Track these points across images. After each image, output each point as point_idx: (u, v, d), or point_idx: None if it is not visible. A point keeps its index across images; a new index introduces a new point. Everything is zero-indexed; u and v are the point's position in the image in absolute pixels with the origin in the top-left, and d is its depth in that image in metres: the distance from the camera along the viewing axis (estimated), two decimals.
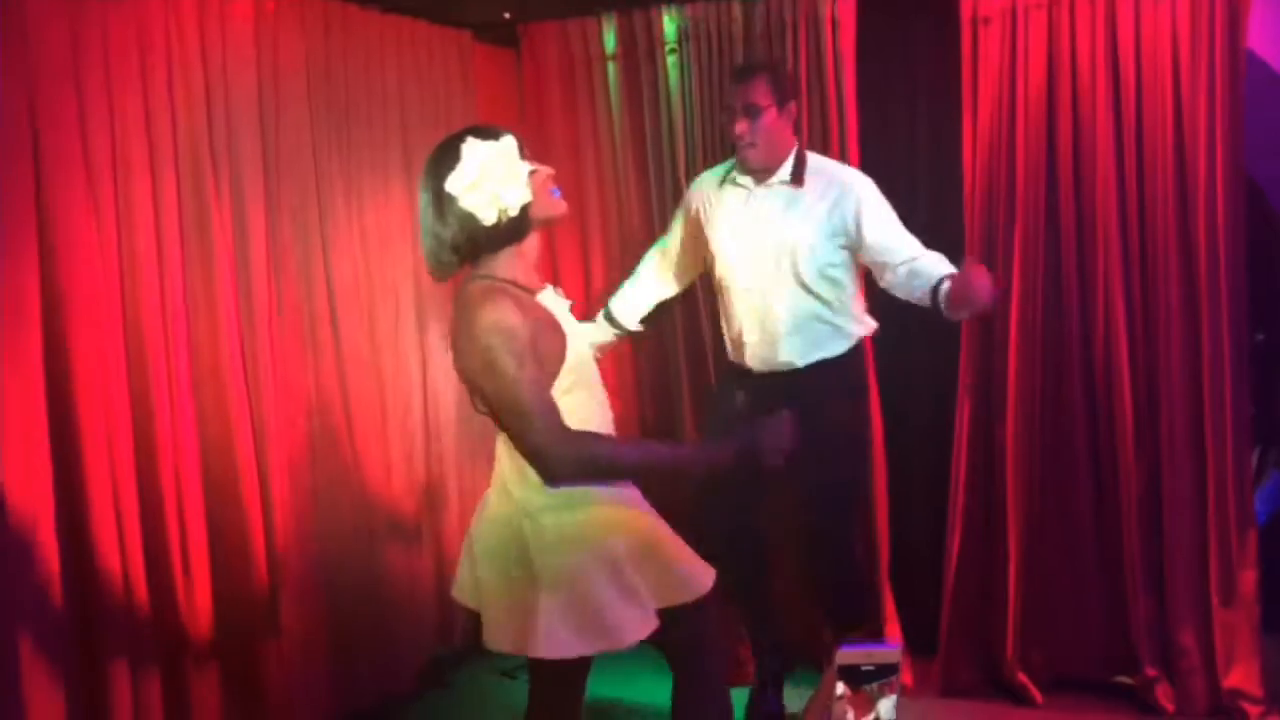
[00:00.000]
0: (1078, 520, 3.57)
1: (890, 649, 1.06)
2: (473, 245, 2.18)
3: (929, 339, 3.88)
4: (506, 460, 2.28)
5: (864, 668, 1.03)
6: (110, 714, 2.65)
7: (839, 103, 3.69)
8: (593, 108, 4.08)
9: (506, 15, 4.02)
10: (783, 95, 3.20)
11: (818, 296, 3.22)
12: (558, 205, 2.27)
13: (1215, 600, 3.36)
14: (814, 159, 3.32)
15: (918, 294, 3.11)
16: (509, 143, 2.18)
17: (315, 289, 3.35)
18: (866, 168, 3.72)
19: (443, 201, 2.15)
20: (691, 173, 3.74)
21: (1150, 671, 3.46)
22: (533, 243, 2.25)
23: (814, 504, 3.36)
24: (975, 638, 3.68)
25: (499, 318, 2.09)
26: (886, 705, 1.03)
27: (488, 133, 2.18)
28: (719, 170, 3.42)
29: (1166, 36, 3.30)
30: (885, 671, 1.02)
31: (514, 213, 2.16)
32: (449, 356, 3.88)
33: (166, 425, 2.84)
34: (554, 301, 2.28)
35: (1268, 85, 3.46)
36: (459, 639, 4.04)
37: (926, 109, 3.88)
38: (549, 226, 2.30)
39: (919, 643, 3.75)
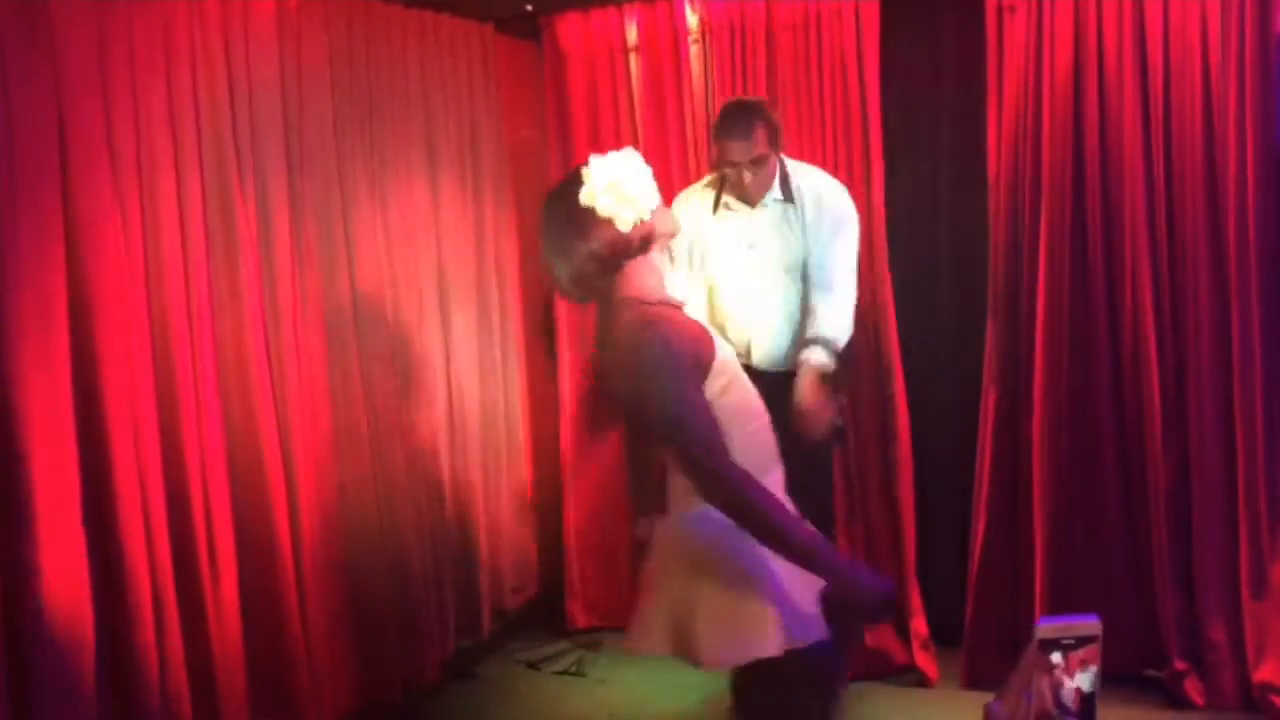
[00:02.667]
0: (1105, 512, 3.54)
1: (1089, 620, 1.06)
2: (614, 257, 2.15)
3: (955, 328, 3.87)
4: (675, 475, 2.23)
5: (1064, 640, 1.03)
6: (137, 700, 2.67)
7: (861, 92, 3.67)
8: (615, 99, 4.07)
9: (529, 8, 4.02)
10: (776, 137, 3.26)
11: (820, 299, 3.29)
12: (674, 221, 2.26)
13: (1245, 593, 3.32)
14: (794, 168, 3.35)
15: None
16: (631, 151, 2.18)
17: (339, 285, 3.36)
18: (890, 158, 3.71)
19: (579, 217, 2.12)
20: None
21: (1179, 665, 3.43)
22: (659, 256, 2.24)
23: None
24: (1000, 629, 3.66)
25: (665, 350, 2.07)
26: (1086, 678, 1.04)
27: (604, 155, 2.18)
28: (703, 196, 3.41)
29: (1195, 23, 3.26)
30: (1085, 643, 1.02)
31: (647, 217, 2.15)
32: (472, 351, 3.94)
33: (192, 422, 2.86)
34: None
35: None
36: (485, 631, 4.06)
37: (951, 97, 3.84)
38: (663, 242, 2.25)
39: (944, 635, 3.74)
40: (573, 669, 3.96)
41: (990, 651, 3.65)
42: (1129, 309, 3.42)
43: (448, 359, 3.85)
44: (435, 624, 3.76)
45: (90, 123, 2.60)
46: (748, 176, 3.23)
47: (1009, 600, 3.65)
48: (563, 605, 4.30)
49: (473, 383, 4.00)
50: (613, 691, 3.79)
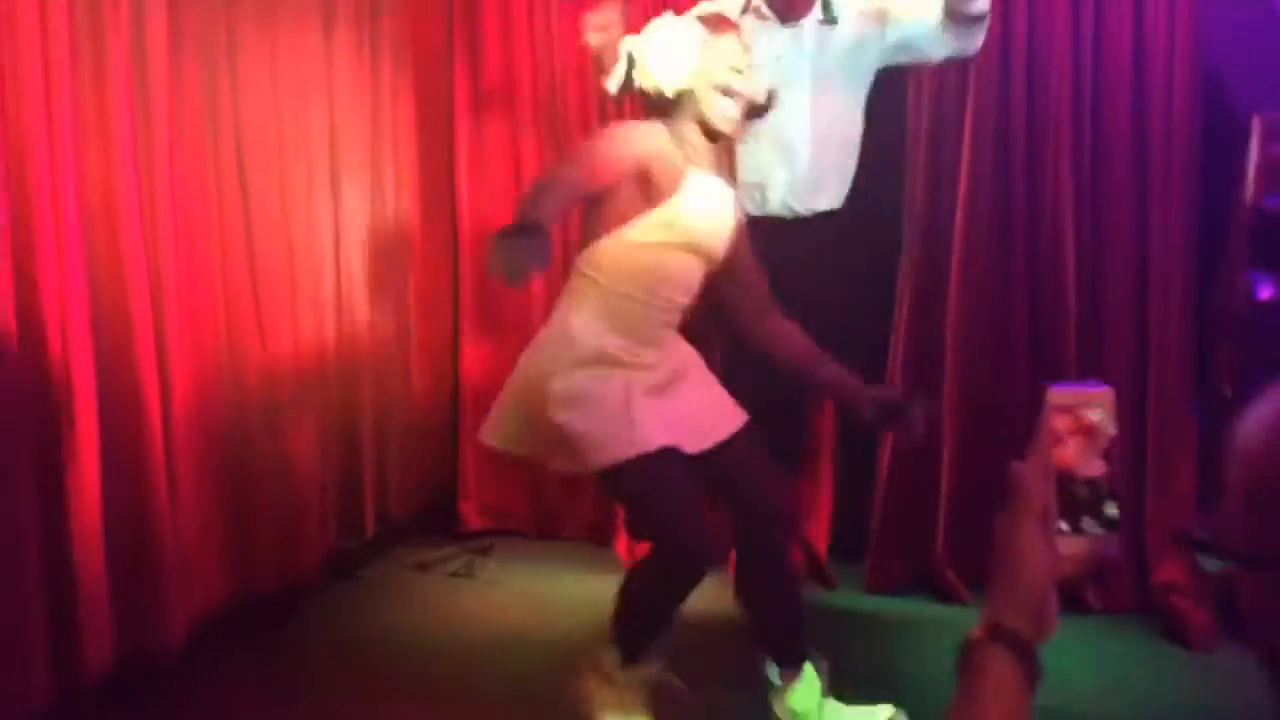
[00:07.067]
0: (1015, 414, 3.50)
1: (1098, 386, 0.94)
2: None
3: (868, 225, 3.80)
4: None
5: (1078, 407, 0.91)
6: None
7: None
8: None
9: None
10: None
11: (850, 133, 3.09)
12: None
13: (1151, 489, 3.32)
14: None
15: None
16: None
17: (221, 130, 3.03)
18: None
19: None
20: None
21: None
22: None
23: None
24: (905, 536, 3.60)
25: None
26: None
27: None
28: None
29: None
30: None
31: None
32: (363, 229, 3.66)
33: (51, 269, 2.52)
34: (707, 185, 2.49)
35: None
36: (370, 531, 3.83)
37: None
38: None
39: (848, 545, 3.65)
40: (462, 571, 3.76)
41: (895, 557, 3.59)
42: (1048, 221, 3.38)
43: (337, 233, 3.57)
44: (315, 519, 3.50)
45: None
46: None
47: (916, 505, 3.58)
48: (455, 508, 4.08)
49: (362, 263, 3.73)
50: (504, 593, 3.62)
